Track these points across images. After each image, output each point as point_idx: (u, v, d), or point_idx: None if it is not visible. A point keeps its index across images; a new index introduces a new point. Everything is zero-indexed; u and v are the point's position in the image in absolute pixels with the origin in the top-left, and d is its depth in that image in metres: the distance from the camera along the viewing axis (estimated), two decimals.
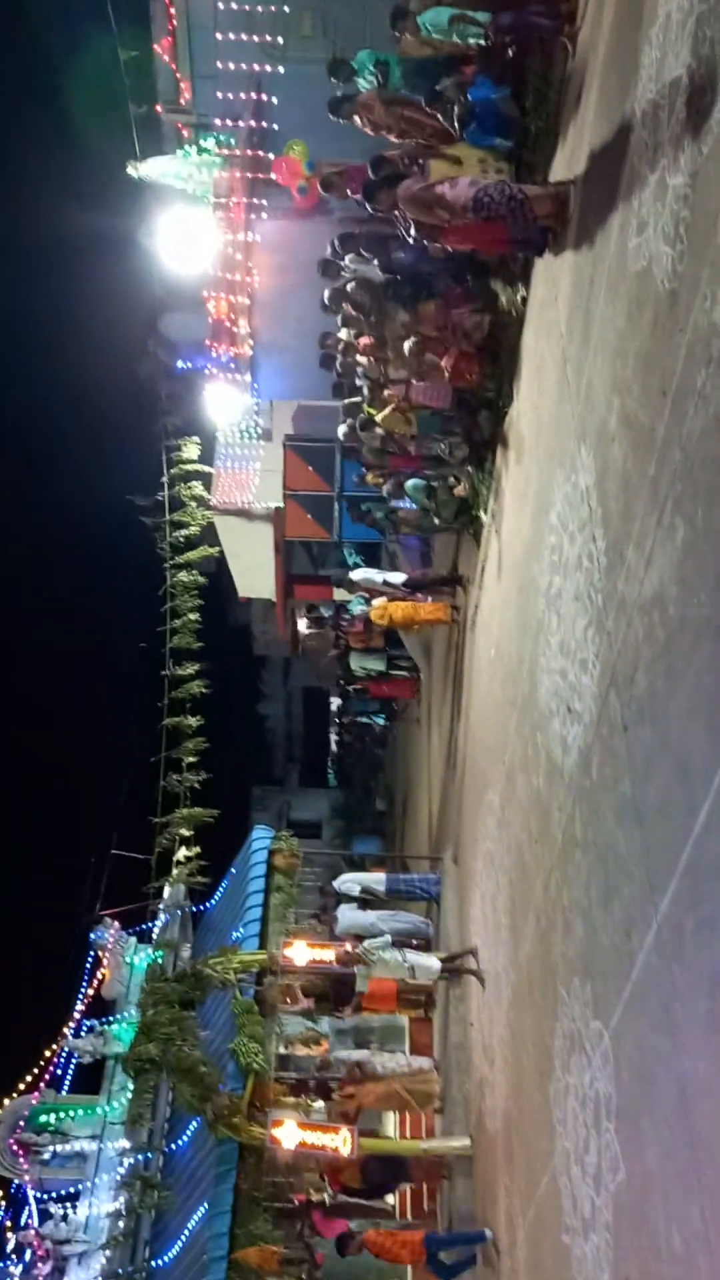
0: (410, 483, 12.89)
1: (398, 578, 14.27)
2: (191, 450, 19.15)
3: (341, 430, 13.48)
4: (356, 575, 14.71)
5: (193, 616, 17.86)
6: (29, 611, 30.13)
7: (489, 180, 8.15)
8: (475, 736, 11.97)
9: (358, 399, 13.31)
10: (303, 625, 18.95)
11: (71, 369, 28.14)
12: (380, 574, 14.46)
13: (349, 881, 13.89)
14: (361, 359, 12.53)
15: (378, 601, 14.47)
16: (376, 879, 14.00)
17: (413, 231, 8.93)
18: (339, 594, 17.97)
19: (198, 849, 16.08)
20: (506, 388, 10.24)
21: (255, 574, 21.52)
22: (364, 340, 12.30)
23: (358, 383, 13.19)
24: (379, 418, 12.56)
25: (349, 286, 11.86)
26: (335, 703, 22.25)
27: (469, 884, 11.94)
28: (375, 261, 11.52)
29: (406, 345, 10.94)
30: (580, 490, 7.14)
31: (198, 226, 16.26)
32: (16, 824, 29.76)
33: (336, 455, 18.80)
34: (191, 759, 16.93)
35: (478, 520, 11.72)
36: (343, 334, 12.90)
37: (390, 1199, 14.00)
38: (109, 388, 25.98)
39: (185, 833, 16.02)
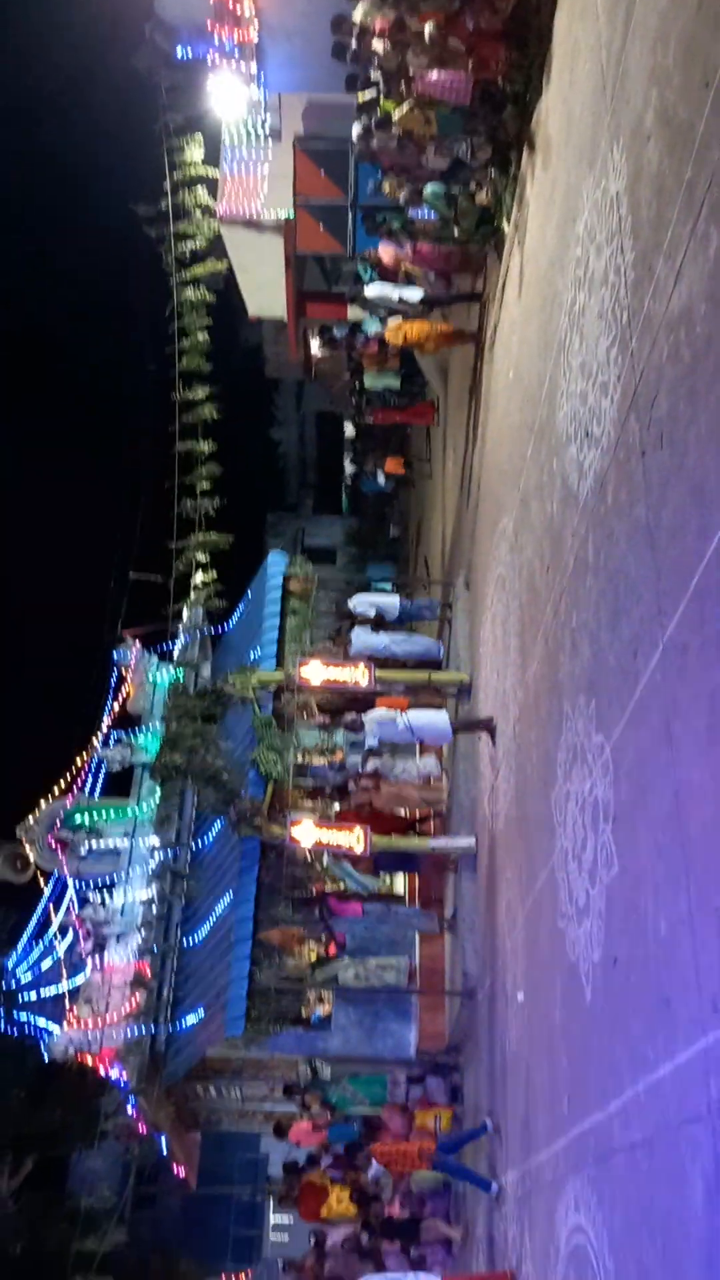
0: (429, 189, 12.05)
1: (414, 294, 13.63)
2: (195, 152, 17.81)
3: (355, 130, 12.46)
4: (371, 292, 14.05)
5: (202, 337, 17.23)
6: (37, 333, 29.19)
7: None
8: (490, 462, 11.85)
9: (373, 95, 12.22)
10: (316, 346, 18.32)
11: (60, 58, 25.77)
12: (396, 290, 13.80)
13: (363, 603, 14.16)
14: (377, 45, 11.40)
15: (393, 321, 13.91)
16: (390, 601, 14.25)
17: None
18: (353, 312, 17.26)
19: (214, 573, 16.31)
20: (535, 80, 9.37)
21: (266, 291, 20.57)
22: (380, 23, 11.15)
23: (373, 76, 12.06)
24: (396, 116, 11.58)
25: None
26: (349, 428, 21.79)
27: (480, 608, 12.19)
28: None
29: (427, 27, 9.93)
30: (610, 196, 6.69)
31: None
32: (39, 552, 30.19)
33: (351, 159, 17.52)
34: (205, 485, 16.86)
35: (500, 231, 11.06)
36: (357, 14, 11.68)
37: (400, 886, 15.24)
38: (103, 80, 23.85)
39: (201, 557, 16.21)
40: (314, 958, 13.72)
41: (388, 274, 13.56)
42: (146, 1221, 26.04)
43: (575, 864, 7.01)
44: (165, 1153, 17.17)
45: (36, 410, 29.48)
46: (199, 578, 16.51)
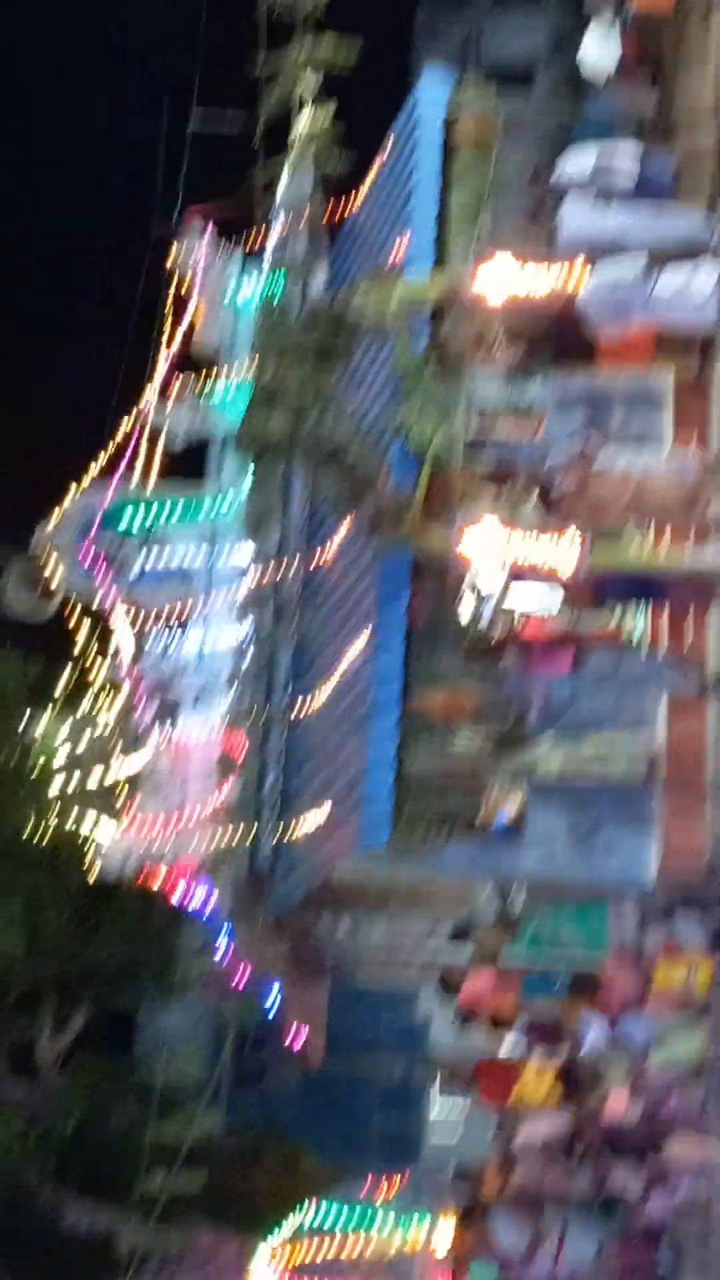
0: None
1: None
2: None
3: None
4: None
5: None
6: None
7: None
8: None
9: None
10: None
11: None
12: None
13: (581, 161, 13.56)
14: None
15: None
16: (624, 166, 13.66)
17: None
18: None
19: (332, 106, 15.55)
20: None
21: None
22: None
23: None
24: None
25: None
26: None
27: None
28: None
29: None
30: None
31: None
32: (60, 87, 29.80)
33: None
34: None
35: None
36: None
37: (638, 626, 15.43)
38: None
39: (310, 81, 15.41)
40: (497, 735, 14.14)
41: None
42: (252, 1103, 28.67)
43: None
44: (276, 1011, 18.57)
45: None
46: (305, 121, 15.86)
